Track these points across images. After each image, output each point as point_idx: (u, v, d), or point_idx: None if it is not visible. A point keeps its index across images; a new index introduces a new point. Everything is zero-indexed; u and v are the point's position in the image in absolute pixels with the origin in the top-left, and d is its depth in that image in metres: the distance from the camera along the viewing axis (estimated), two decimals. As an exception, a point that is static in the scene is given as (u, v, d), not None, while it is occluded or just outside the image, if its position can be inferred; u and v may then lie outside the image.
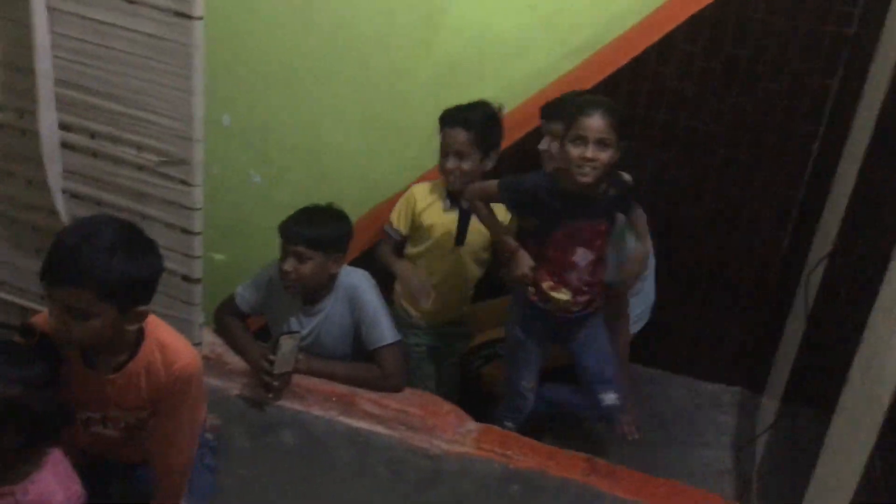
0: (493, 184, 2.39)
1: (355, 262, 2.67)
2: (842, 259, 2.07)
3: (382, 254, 2.71)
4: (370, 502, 2.37)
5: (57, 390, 1.63)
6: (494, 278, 2.72)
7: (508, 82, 2.66)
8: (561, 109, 2.38)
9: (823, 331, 2.13)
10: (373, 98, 2.84)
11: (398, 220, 2.68)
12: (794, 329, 2.54)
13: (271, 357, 2.34)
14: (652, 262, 2.56)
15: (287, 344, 2.33)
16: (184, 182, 2.24)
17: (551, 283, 2.34)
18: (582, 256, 2.31)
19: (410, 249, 2.72)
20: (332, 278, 2.43)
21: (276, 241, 2.63)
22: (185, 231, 2.30)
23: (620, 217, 2.35)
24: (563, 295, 2.34)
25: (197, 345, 2.39)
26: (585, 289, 2.35)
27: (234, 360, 2.51)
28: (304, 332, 2.46)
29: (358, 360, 2.51)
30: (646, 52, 2.61)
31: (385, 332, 2.45)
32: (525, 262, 2.36)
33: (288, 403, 2.43)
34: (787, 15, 2.51)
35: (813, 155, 2.64)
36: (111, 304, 1.59)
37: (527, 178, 2.34)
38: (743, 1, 2.52)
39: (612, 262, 2.43)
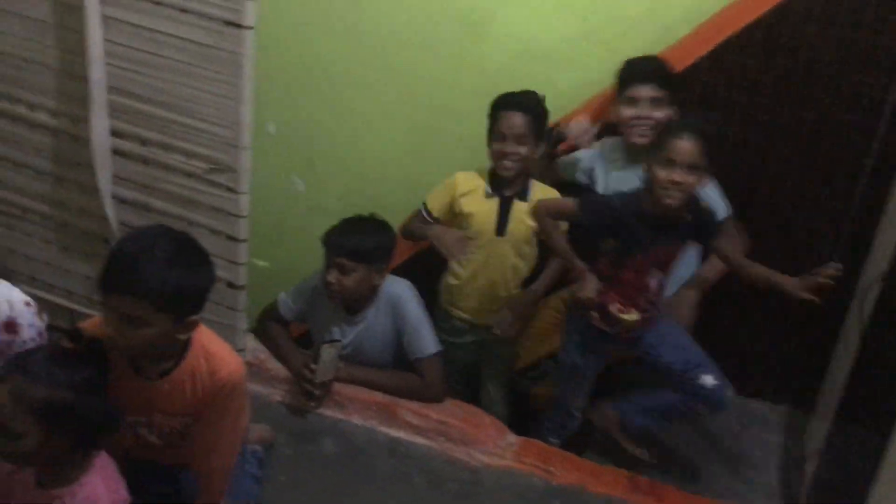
0: (568, 201, 2.35)
1: (398, 270, 2.67)
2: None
3: (411, 226, 2.66)
4: (409, 513, 2.36)
5: (105, 395, 1.66)
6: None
7: (555, 93, 2.62)
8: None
9: (879, 351, 2.08)
10: (418, 106, 2.84)
11: (433, 203, 2.63)
12: (847, 347, 2.47)
13: (313, 366, 2.35)
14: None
15: (328, 353, 2.34)
16: (230, 189, 2.27)
17: (620, 307, 2.29)
18: (654, 278, 2.28)
19: None
20: (375, 288, 2.43)
21: (319, 248, 2.64)
22: (231, 238, 2.33)
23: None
24: (632, 316, 2.29)
25: (240, 351, 2.41)
26: (649, 307, 2.31)
27: (277, 367, 2.53)
28: (346, 340, 2.47)
29: (399, 369, 2.51)
30: (697, 63, 2.57)
31: (427, 342, 2.44)
32: (592, 286, 2.31)
33: (328, 411, 2.44)
34: (844, 27, 2.45)
35: (867, 170, 2.57)
36: (166, 313, 1.63)
37: (612, 198, 2.31)
38: (798, 13, 2.46)
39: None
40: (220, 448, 1.88)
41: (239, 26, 2.10)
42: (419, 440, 2.40)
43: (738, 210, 2.51)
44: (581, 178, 2.63)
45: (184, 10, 2.13)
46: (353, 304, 2.45)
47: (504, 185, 2.55)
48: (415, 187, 2.86)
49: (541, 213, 2.41)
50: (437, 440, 2.40)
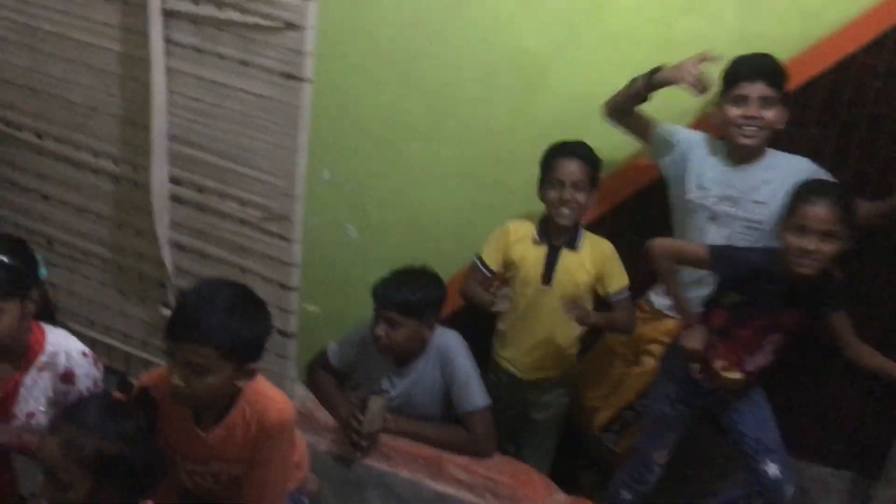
0: (698, 248, 2.21)
1: (451, 320, 2.65)
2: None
3: (471, 287, 2.59)
4: (454, 571, 2.31)
5: (154, 445, 1.67)
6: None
7: (611, 144, 2.61)
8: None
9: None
10: (472, 156, 2.83)
11: (488, 254, 2.59)
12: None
13: (360, 416, 2.33)
14: None
15: (376, 404, 2.33)
16: (283, 238, 2.29)
17: (725, 364, 2.20)
18: (770, 342, 2.17)
19: None
20: (425, 342, 2.41)
21: (368, 295, 2.64)
22: (283, 286, 2.35)
23: None
24: (735, 375, 2.19)
25: (290, 399, 2.41)
26: (757, 370, 2.21)
27: (324, 416, 2.52)
28: (395, 391, 2.45)
29: (448, 422, 2.48)
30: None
31: (476, 396, 2.41)
32: (699, 338, 2.20)
33: (375, 463, 2.41)
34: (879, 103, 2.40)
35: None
36: (228, 360, 1.71)
37: (749, 253, 2.19)
38: (860, 68, 2.41)
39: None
40: (269, 488, 1.89)
41: (298, 79, 2.15)
42: (466, 496, 2.36)
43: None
44: (666, 159, 2.49)
45: (245, 63, 2.19)
46: (403, 357, 2.43)
47: (554, 233, 2.53)
48: (468, 237, 2.85)
49: (661, 254, 2.23)
50: (485, 497, 2.35)
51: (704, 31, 2.44)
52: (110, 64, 2.37)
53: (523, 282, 2.54)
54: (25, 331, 1.85)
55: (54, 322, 1.97)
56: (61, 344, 1.86)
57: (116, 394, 1.65)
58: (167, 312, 2.48)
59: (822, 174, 2.30)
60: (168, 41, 2.22)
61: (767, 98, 2.28)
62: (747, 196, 2.37)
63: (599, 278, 2.54)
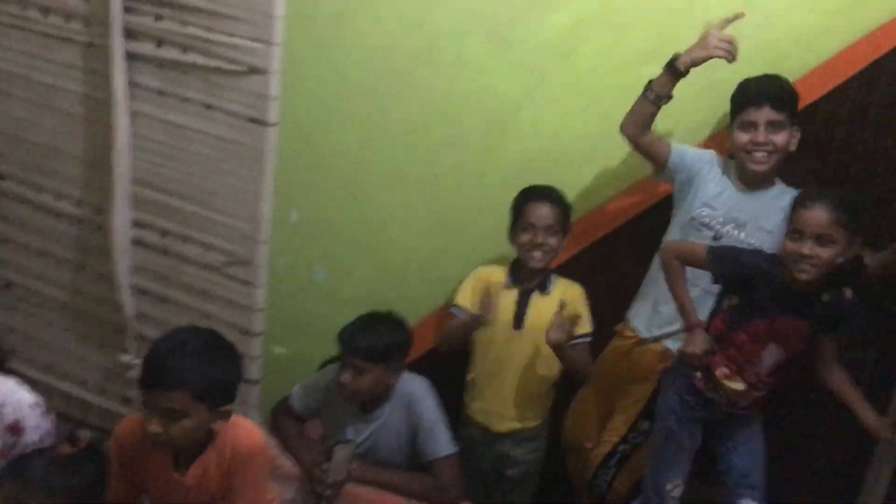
0: (699, 247, 2.20)
1: (418, 364, 2.62)
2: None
3: (447, 332, 2.55)
4: None
5: (103, 499, 1.62)
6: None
7: (579, 188, 2.62)
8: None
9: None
10: (441, 199, 2.82)
11: (464, 298, 2.56)
12: (885, 464, 2.35)
13: (325, 466, 2.28)
14: None
15: (341, 453, 2.28)
16: (247, 283, 2.26)
17: (727, 372, 2.14)
18: (771, 353, 2.10)
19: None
20: (391, 388, 2.38)
21: (336, 338, 2.60)
22: (246, 332, 2.31)
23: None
24: (737, 385, 2.13)
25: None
26: (762, 386, 2.15)
27: (288, 464, 2.45)
28: (360, 438, 2.40)
29: (414, 469, 2.43)
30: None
31: (443, 442, 2.37)
32: (701, 342, 2.15)
33: (340, 513, 2.35)
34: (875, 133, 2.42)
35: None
36: (203, 402, 1.77)
37: (746, 254, 2.16)
38: (824, 115, 2.43)
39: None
40: None
41: (262, 123, 2.13)
42: (433, 545, 2.30)
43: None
44: (677, 177, 2.43)
45: (209, 107, 2.18)
46: (368, 403, 2.39)
47: (525, 277, 2.52)
48: (438, 280, 2.83)
49: (669, 255, 2.24)
50: (451, 546, 2.30)
51: (670, 77, 2.46)
52: (73, 106, 2.34)
53: (494, 327, 2.51)
54: None
55: (4, 370, 1.91)
56: (9, 394, 1.82)
57: (65, 447, 1.59)
58: (126, 359, 2.43)
59: None
60: (132, 84, 2.20)
61: (775, 122, 2.25)
62: (755, 222, 2.33)
63: None
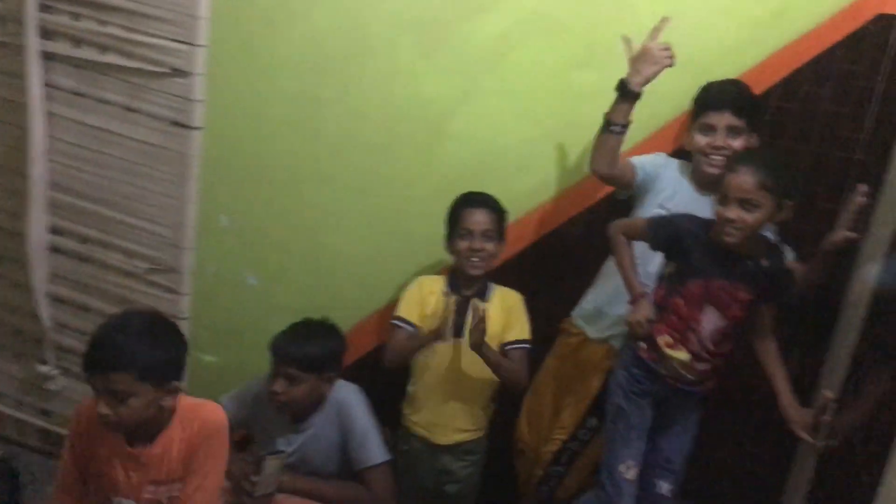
0: (640, 220, 2.26)
1: (351, 370, 2.58)
2: (854, 404, 1.97)
3: (397, 343, 2.49)
4: None
5: None
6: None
7: (512, 194, 2.61)
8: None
9: (836, 477, 2.01)
10: (375, 204, 2.80)
11: (407, 310, 2.52)
12: (805, 463, 2.41)
13: (254, 478, 2.23)
14: None
15: (271, 465, 2.23)
16: (171, 290, 2.20)
17: (669, 340, 2.16)
18: (710, 319, 2.12)
19: None
20: (324, 397, 2.34)
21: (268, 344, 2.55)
22: (171, 341, 2.24)
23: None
24: (681, 354, 2.15)
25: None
26: (706, 356, 2.16)
27: (215, 476, 2.39)
28: (291, 448, 2.36)
29: (345, 478, 2.39)
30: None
31: (374, 451, 2.35)
32: (644, 310, 2.18)
33: (268, 525, 2.30)
34: (795, 139, 2.48)
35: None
36: (147, 383, 1.78)
37: (680, 217, 2.19)
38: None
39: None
40: (204, 489, 1.91)
41: (187, 127, 2.08)
42: (363, 556, 2.27)
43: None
44: (640, 188, 2.43)
45: (130, 110, 2.11)
46: (299, 413, 2.35)
47: (463, 285, 2.50)
48: (371, 285, 2.81)
49: (615, 231, 2.29)
50: (381, 557, 2.28)
51: (600, 84, 2.46)
52: (-14, 107, 2.25)
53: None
54: None
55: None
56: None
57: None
58: (44, 369, 2.34)
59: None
60: (47, 85, 2.12)
61: (734, 127, 2.28)
62: None
63: (503, 327, 2.51)
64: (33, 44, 2.09)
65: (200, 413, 1.92)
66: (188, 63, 2.02)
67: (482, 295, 2.51)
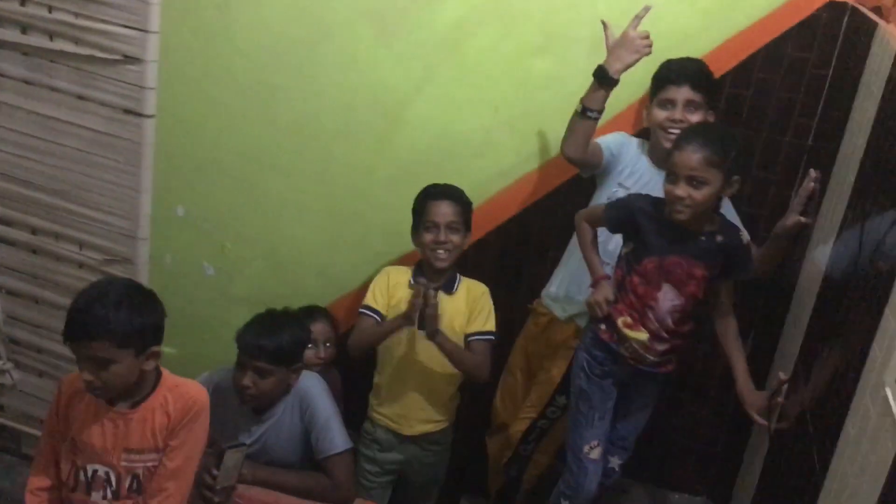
0: (599, 206, 2.29)
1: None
2: (805, 384, 2.02)
3: (363, 330, 2.48)
4: None
5: None
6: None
7: (471, 181, 2.62)
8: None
9: (788, 456, 2.06)
10: (333, 192, 2.78)
11: (375, 299, 2.50)
12: (759, 443, 2.47)
13: (214, 471, 2.21)
14: None
15: (232, 458, 2.21)
16: (127, 282, 2.16)
17: (628, 320, 2.17)
18: (667, 296, 2.13)
19: None
20: (290, 388, 2.33)
21: (227, 335, 2.51)
22: (127, 333, 2.21)
23: None
24: (640, 335, 2.16)
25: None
26: (665, 336, 2.17)
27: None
28: (252, 438, 2.34)
29: (306, 468, 2.39)
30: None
31: (336, 439, 2.34)
32: (604, 291, 2.20)
33: (229, 517, 2.29)
34: (749, 125, 2.52)
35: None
36: (127, 348, 1.80)
37: (633, 197, 2.22)
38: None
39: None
40: (177, 478, 1.95)
41: (139, 115, 2.04)
42: (325, 545, 2.27)
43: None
44: (606, 167, 2.45)
45: (81, 98, 2.07)
46: (266, 405, 2.33)
47: (430, 277, 2.49)
48: (329, 273, 2.80)
49: (578, 219, 2.32)
50: (344, 545, 2.28)
51: (557, 71, 2.49)
52: (-69, 95, 2.18)
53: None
54: None
55: None
56: None
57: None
58: (-4, 364, 2.29)
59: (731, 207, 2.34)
60: (-6, 72, 2.07)
61: (693, 102, 2.30)
62: None
63: (468, 319, 2.51)
64: (-22, 30, 2.04)
65: (184, 389, 1.96)
66: (140, 50, 1.98)
67: (449, 286, 2.51)
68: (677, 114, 2.31)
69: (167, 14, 2.11)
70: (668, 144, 2.30)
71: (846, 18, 2.42)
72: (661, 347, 2.19)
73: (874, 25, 2.13)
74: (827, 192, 2.26)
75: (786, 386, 2.06)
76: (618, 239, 2.31)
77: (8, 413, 2.63)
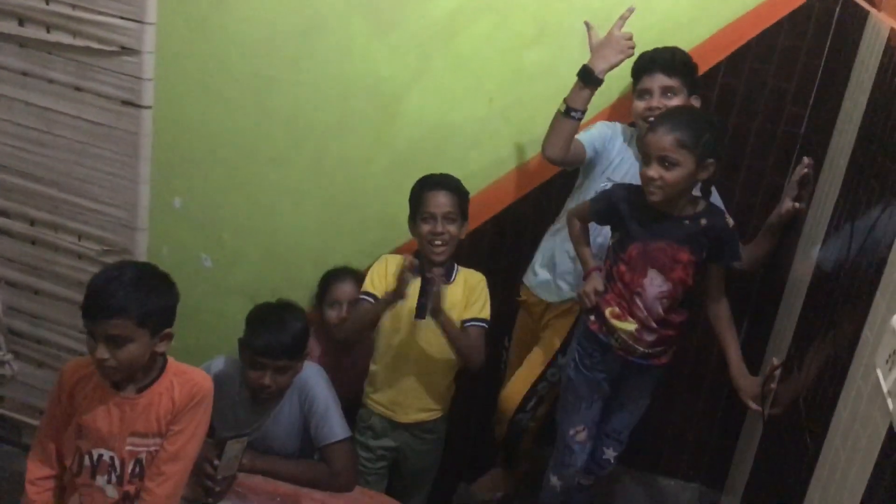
0: (586, 202, 2.31)
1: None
2: (798, 368, 2.04)
3: (358, 312, 2.48)
4: None
5: None
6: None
7: (466, 171, 2.63)
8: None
9: (782, 440, 2.09)
10: (329, 183, 2.79)
11: (374, 285, 2.48)
12: (753, 429, 2.49)
13: (215, 461, 2.23)
14: None
15: (233, 449, 2.23)
16: (126, 272, 2.17)
17: (616, 311, 2.18)
18: (654, 282, 2.14)
19: None
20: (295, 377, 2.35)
21: (224, 326, 2.53)
22: (126, 323, 2.22)
23: None
24: (628, 325, 2.17)
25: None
26: (654, 325, 2.18)
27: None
28: (252, 427, 2.36)
29: (305, 457, 2.41)
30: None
31: (335, 427, 2.36)
32: (593, 283, 2.22)
33: (229, 505, 2.31)
34: (742, 114, 2.54)
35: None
36: (145, 328, 1.84)
37: (613, 188, 2.24)
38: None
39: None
40: (181, 455, 1.97)
41: (137, 106, 2.05)
42: (325, 533, 2.29)
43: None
44: (590, 164, 2.46)
45: (78, 89, 2.07)
46: (279, 398, 2.36)
47: (427, 266, 2.47)
48: (326, 264, 2.81)
49: (570, 215, 2.36)
50: (343, 532, 2.30)
51: (551, 61, 2.51)
52: (-73, 87, 2.19)
53: (396, 317, 2.48)
54: None
55: None
56: None
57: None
58: (-3, 354, 2.30)
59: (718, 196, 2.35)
60: (-9, 64, 2.07)
61: (669, 87, 2.31)
62: None
63: (464, 306, 2.52)
64: (-25, 22, 2.04)
65: (190, 376, 2.00)
66: (137, 41, 1.99)
67: (447, 276, 2.50)
68: (654, 101, 2.33)
69: (163, 5, 2.12)
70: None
71: (838, 7, 2.44)
72: (650, 338, 2.20)
73: (866, 13, 2.14)
74: (819, 179, 2.28)
75: (779, 371, 2.09)
76: (606, 233, 2.33)
77: (7, 404, 2.64)
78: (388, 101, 2.66)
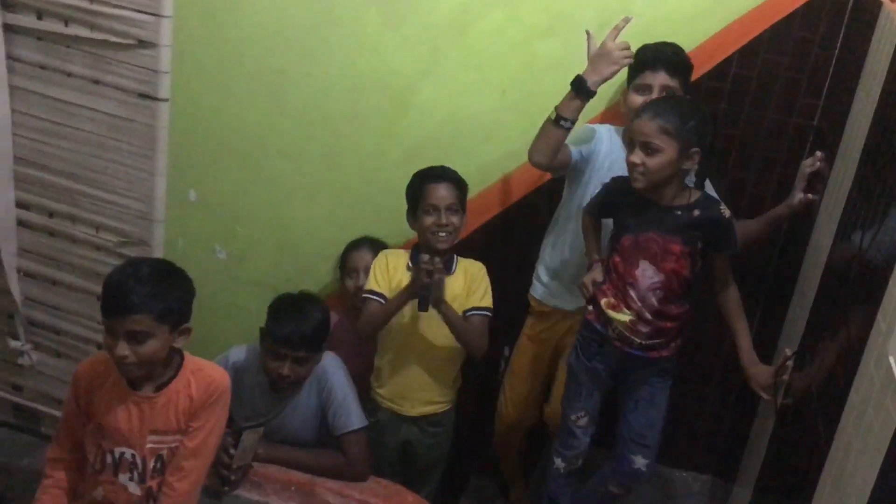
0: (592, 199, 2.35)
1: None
2: (811, 358, 2.05)
3: (370, 313, 2.47)
4: None
5: None
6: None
7: (478, 164, 2.65)
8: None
9: (794, 429, 2.09)
10: (341, 176, 2.81)
11: (378, 283, 2.49)
12: (765, 420, 2.50)
13: (232, 451, 2.25)
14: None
15: (250, 438, 2.26)
16: (143, 264, 2.20)
17: (611, 301, 2.19)
18: (645, 273, 2.14)
19: None
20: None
21: (237, 317, 2.55)
22: (143, 314, 2.25)
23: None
24: (623, 316, 2.17)
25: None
26: (649, 317, 2.18)
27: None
28: (269, 415, 2.39)
29: (321, 446, 2.43)
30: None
31: (352, 417, 2.38)
32: (592, 273, 2.25)
33: (244, 493, 2.33)
34: (754, 106, 2.54)
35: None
36: (165, 323, 1.85)
37: (610, 181, 2.26)
38: (704, 92, 2.54)
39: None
40: (200, 451, 1.99)
41: (154, 99, 2.07)
42: (339, 521, 2.31)
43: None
44: (575, 170, 2.48)
45: (96, 82, 2.10)
46: (298, 387, 2.38)
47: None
48: (339, 257, 2.82)
49: (583, 212, 2.37)
50: (357, 521, 2.32)
51: (562, 54, 2.51)
52: (-53, 81, 2.21)
53: (400, 311, 2.48)
54: None
55: None
56: None
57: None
58: (16, 345, 2.33)
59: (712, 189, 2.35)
60: (10, 57, 2.09)
61: (669, 87, 2.31)
62: None
63: (466, 296, 2.53)
64: (-6, 16, 2.06)
65: (207, 372, 2.01)
66: (154, 34, 2.01)
67: (447, 268, 2.51)
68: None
69: (179, -2, 2.14)
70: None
71: (851, -3, 2.44)
72: (645, 329, 2.19)
73: (879, 4, 2.14)
74: (833, 170, 2.29)
75: (791, 361, 2.09)
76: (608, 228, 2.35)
77: (27, 394, 2.67)
78: (401, 93, 2.67)
